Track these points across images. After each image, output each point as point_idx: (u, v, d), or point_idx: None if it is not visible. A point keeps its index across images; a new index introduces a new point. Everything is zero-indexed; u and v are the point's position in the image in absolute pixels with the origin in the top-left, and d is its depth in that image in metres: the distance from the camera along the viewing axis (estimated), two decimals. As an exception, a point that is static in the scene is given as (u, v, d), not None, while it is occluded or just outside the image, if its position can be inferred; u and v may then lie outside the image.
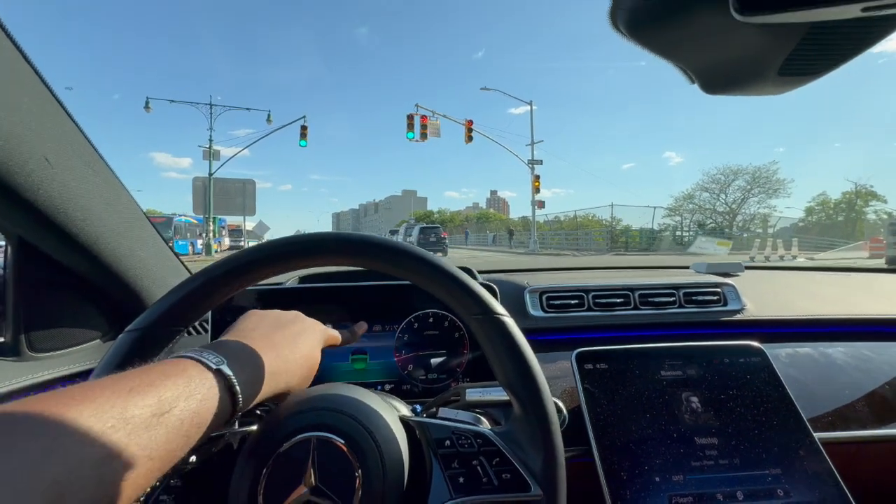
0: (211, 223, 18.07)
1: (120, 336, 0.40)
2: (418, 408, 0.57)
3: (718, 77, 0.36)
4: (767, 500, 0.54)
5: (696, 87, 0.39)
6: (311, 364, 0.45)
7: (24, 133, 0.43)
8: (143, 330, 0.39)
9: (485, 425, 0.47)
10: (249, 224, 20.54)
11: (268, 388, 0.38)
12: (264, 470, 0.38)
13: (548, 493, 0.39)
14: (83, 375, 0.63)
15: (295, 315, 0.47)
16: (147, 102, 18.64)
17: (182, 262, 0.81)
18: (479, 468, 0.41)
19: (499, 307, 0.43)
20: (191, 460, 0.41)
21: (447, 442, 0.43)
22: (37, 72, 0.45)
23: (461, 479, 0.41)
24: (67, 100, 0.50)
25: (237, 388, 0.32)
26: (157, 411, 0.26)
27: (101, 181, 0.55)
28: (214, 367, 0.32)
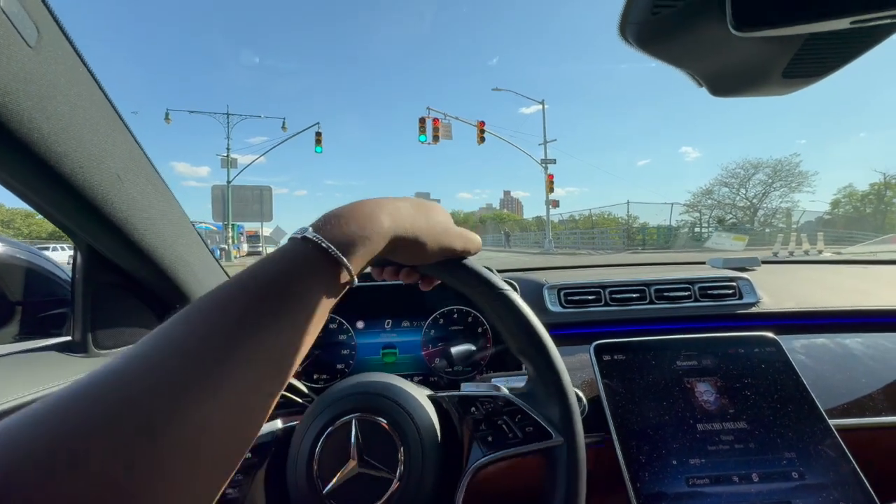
0: (230, 230, 18.52)
1: None
2: None
3: (725, 81, 0.39)
4: (782, 482, 0.56)
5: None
6: (445, 223, 0.42)
7: (101, 153, 0.49)
8: None
9: (504, 392, 0.51)
10: (267, 230, 20.98)
11: (386, 233, 0.36)
12: (315, 451, 0.43)
13: (567, 437, 0.42)
14: None
15: None
16: (167, 114, 19.27)
17: (221, 267, 0.87)
18: (504, 426, 0.46)
19: (501, 283, 0.46)
20: (246, 455, 0.46)
21: (472, 409, 0.48)
22: (108, 97, 0.52)
23: (490, 438, 0.45)
24: (131, 122, 0.56)
25: (324, 244, 0.32)
26: (276, 302, 0.28)
27: (158, 194, 0.61)
28: (300, 236, 0.33)
